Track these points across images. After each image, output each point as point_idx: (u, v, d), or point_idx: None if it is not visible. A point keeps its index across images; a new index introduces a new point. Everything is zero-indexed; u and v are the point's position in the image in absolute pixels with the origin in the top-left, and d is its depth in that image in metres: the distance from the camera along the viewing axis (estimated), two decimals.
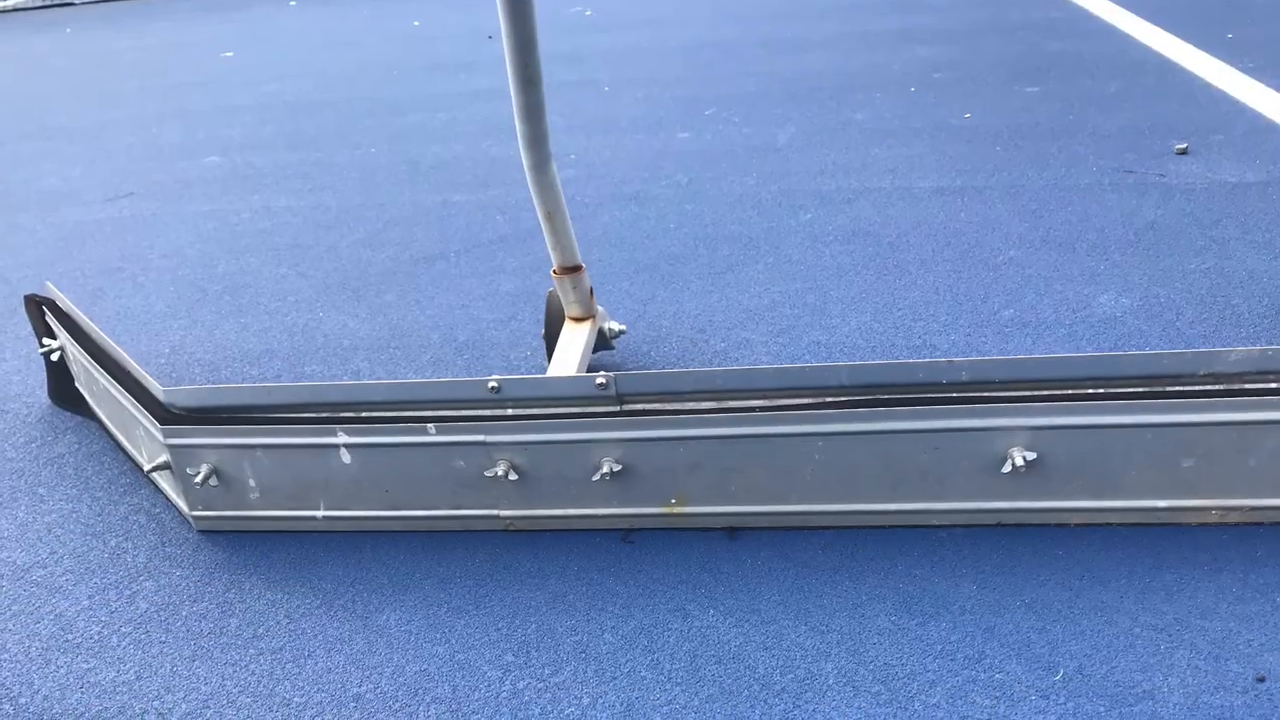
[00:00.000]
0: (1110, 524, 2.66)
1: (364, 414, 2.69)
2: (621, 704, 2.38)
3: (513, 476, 2.65)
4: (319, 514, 2.78)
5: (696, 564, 2.65)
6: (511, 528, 2.77)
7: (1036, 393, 2.56)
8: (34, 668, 2.51)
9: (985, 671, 2.43)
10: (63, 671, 2.50)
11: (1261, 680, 2.35)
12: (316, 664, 2.50)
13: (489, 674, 2.45)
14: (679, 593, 2.59)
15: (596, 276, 3.59)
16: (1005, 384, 2.55)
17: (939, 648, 2.45)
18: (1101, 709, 2.29)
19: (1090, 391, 2.56)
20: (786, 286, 3.72)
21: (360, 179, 4.02)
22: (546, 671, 2.47)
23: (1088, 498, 2.63)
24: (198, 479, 2.72)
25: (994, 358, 2.54)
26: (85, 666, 2.51)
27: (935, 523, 2.68)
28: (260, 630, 2.57)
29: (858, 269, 3.78)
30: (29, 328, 3.07)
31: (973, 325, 3.38)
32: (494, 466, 2.65)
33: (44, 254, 3.94)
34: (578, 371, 2.92)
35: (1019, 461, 2.53)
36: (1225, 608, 2.48)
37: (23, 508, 2.90)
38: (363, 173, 4.00)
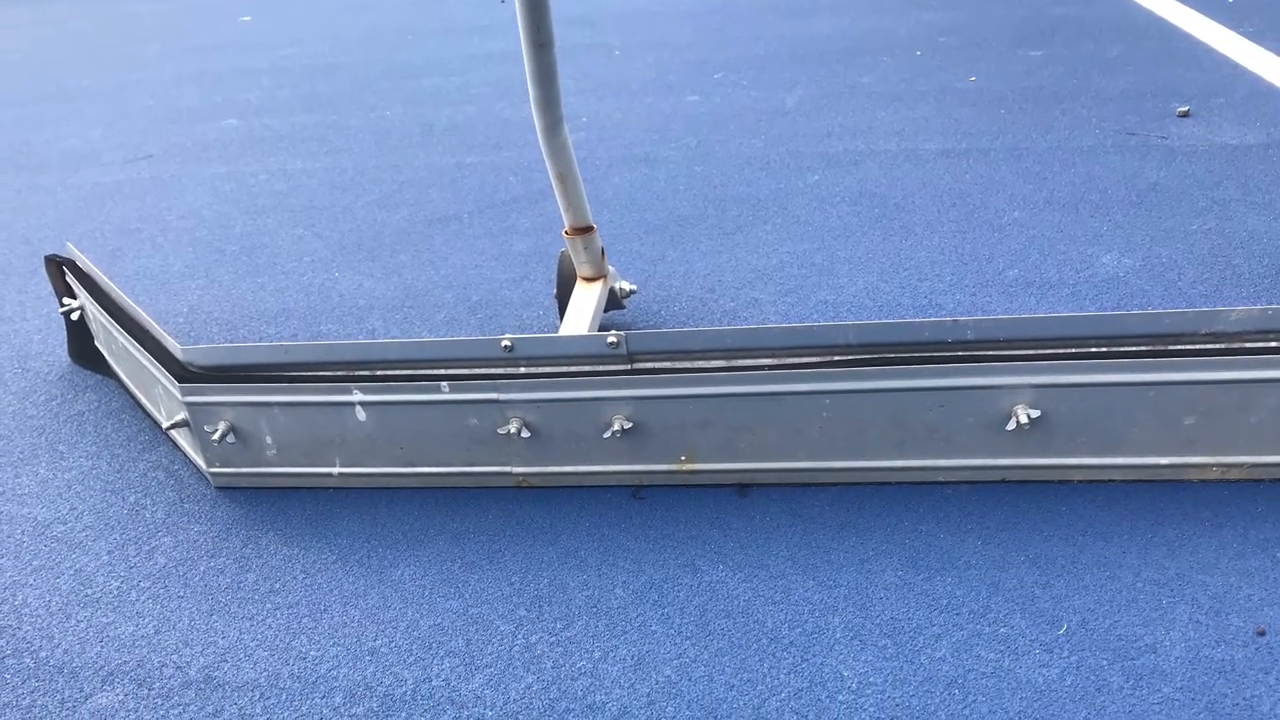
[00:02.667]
0: (1113, 480, 2.64)
1: (379, 372, 2.67)
2: (632, 658, 2.37)
3: (525, 434, 2.63)
4: (335, 471, 2.77)
5: (706, 520, 2.63)
6: (524, 484, 2.75)
7: (1040, 351, 2.54)
8: (54, 622, 2.51)
9: (990, 625, 2.41)
10: (83, 626, 2.49)
11: (1262, 634, 2.34)
12: (332, 618, 2.49)
13: (502, 628, 2.44)
14: (689, 548, 2.58)
15: (607, 237, 3.56)
16: (1010, 342, 2.54)
17: (944, 602, 2.43)
18: (1104, 662, 2.27)
19: (1093, 350, 2.54)
20: (794, 247, 3.69)
21: (375, 141, 3.99)
22: (558, 626, 2.46)
23: (1091, 455, 2.62)
24: (215, 436, 2.71)
25: (999, 317, 2.52)
26: (105, 621, 2.50)
27: (941, 479, 2.67)
28: (277, 585, 2.56)
29: (864, 230, 3.75)
30: (49, 287, 3.05)
31: (978, 285, 3.35)
32: (507, 424, 2.63)
33: (64, 214, 3.91)
34: (589, 331, 2.90)
35: (1023, 419, 2.51)
36: (1226, 563, 2.46)
37: (43, 464, 2.89)
38: (377, 135, 3.97)
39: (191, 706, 2.34)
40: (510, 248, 3.49)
